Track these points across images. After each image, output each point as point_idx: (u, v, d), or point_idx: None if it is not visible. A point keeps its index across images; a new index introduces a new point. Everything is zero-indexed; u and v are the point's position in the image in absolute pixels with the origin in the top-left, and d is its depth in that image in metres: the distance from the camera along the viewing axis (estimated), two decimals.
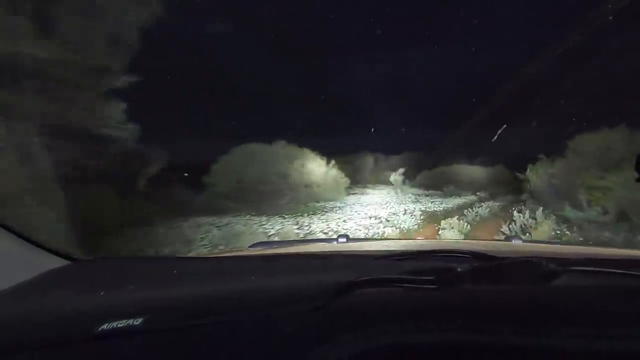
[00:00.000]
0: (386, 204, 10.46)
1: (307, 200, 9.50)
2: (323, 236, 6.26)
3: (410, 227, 6.96)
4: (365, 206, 9.95)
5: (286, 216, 8.09)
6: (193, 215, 7.32)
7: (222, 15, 10.72)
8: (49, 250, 1.04)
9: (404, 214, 8.14)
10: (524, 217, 6.43)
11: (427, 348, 0.50)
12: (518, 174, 9.87)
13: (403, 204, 10.34)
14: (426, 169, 15.35)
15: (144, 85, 6.17)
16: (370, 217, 7.86)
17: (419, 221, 7.50)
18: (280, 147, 9.87)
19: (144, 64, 6.12)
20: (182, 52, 9.30)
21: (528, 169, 8.96)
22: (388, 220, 7.35)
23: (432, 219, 7.79)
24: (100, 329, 0.53)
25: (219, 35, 10.82)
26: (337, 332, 0.52)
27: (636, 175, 1.26)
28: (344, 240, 1.37)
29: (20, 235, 1.01)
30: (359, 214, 8.32)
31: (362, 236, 6.27)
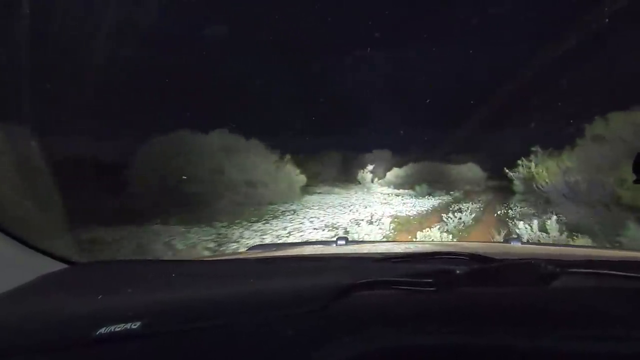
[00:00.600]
0: (351, 206, 8.58)
1: (250, 204, 7.60)
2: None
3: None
4: (326, 209, 8.01)
5: (218, 225, 6.05)
6: (80, 226, 5.07)
7: None
8: (48, 254, 1.03)
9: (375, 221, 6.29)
10: (531, 229, 4.77)
11: (426, 350, 0.53)
12: (518, 173, 8.19)
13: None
14: (397, 167, 13.71)
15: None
16: (325, 227, 5.94)
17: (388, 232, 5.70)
18: (217, 137, 7.78)
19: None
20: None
21: (533, 166, 7.30)
22: (347, 232, 5.48)
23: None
24: (98, 332, 0.56)
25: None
26: (336, 334, 0.56)
27: (634, 176, 1.20)
28: (343, 242, 1.37)
29: (18, 239, 1.00)
30: (311, 222, 6.39)
31: None
